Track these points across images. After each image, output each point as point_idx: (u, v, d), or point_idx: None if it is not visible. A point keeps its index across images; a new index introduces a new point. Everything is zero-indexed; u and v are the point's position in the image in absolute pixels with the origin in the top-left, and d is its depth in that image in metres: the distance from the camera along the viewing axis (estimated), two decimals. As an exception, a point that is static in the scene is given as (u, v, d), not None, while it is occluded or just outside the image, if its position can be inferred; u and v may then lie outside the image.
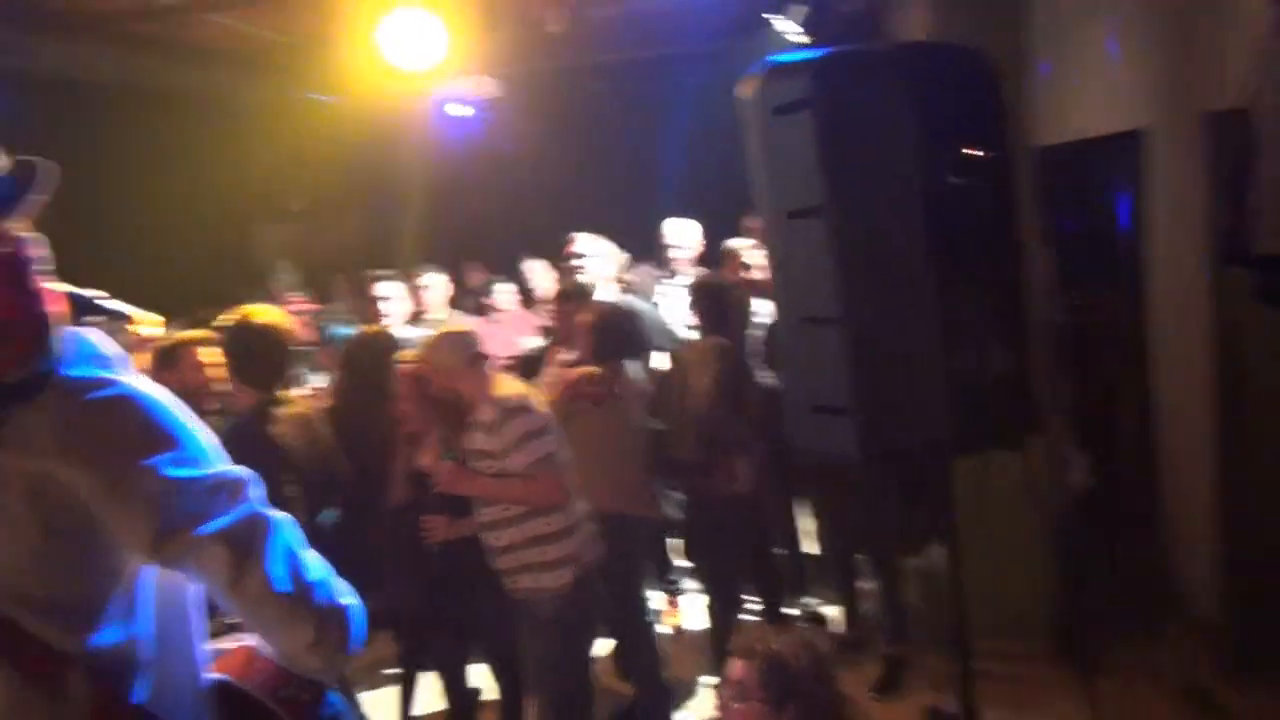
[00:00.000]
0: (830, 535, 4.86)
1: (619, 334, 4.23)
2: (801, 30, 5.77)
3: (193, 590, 1.52)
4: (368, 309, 5.28)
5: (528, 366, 4.80)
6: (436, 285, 5.81)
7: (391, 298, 5.22)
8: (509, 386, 3.52)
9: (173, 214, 7.01)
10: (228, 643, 1.62)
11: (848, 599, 4.82)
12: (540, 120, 8.10)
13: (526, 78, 7.89)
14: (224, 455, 1.50)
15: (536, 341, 5.31)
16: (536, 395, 3.62)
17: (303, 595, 1.46)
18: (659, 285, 5.59)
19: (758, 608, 4.66)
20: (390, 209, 8.61)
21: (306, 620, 1.45)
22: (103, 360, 1.50)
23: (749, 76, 2.51)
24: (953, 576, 2.65)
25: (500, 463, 3.36)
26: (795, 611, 4.90)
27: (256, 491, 1.49)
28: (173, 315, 6.00)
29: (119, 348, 1.54)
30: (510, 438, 3.34)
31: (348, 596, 1.52)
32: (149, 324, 2.95)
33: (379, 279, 5.33)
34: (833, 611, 4.95)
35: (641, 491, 4.18)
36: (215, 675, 1.57)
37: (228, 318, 3.59)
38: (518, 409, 3.38)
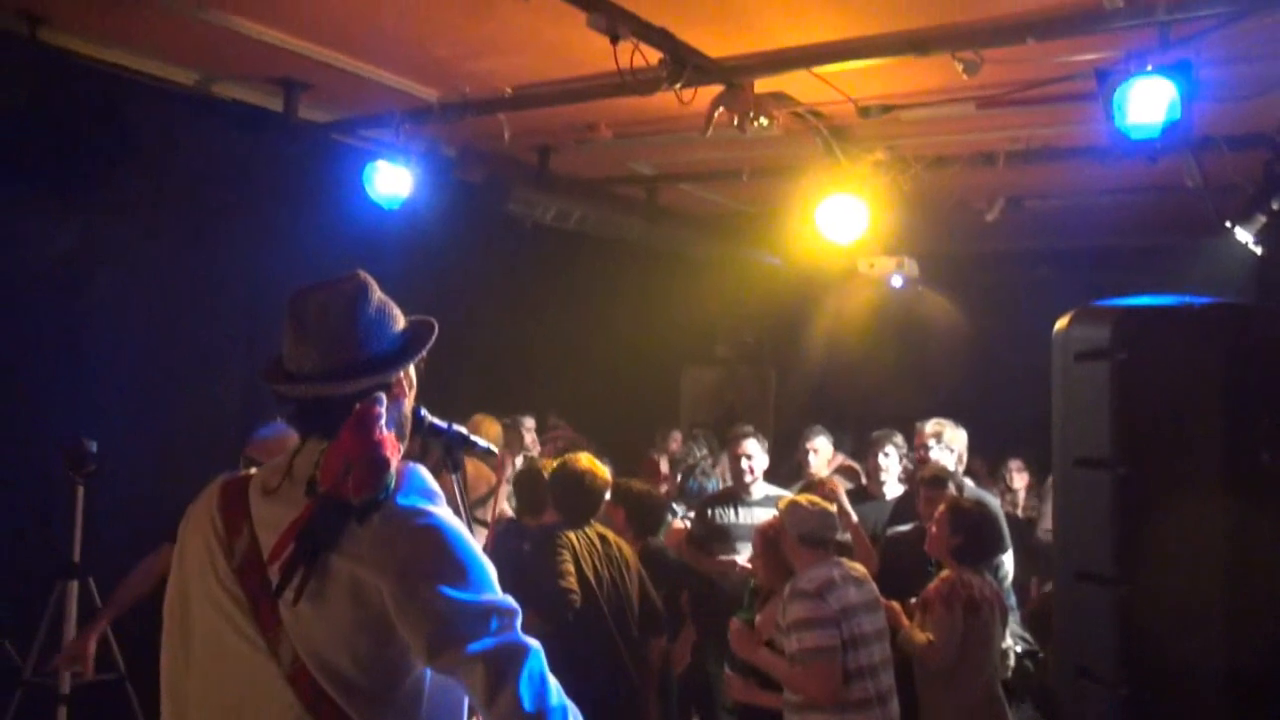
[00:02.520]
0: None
1: (987, 536, 4.10)
2: (1255, 241, 5.33)
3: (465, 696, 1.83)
4: (735, 466, 5.53)
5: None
6: (823, 448, 6.08)
7: (754, 456, 5.43)
8: (822, 570, 3.56)
9: (618, 349, 8.08)
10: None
11: None
12: (958, 299, 8.14)
13: (951, 257, 8.01)
14: (497, 586, 1.78)
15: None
16: (859, 576, 3.65)
17: (542, 717, 1.70)
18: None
19: None
20: (799, 366, 9.05)
21: None
22: (427, 493, 1.83)
23: (1065, 315, 2.54)
24: None
25: (781, 640, 3.48)
26: None
27: (519, 620, 1.78)
28: (591, 437, 6.96)
29: (437, 484, 1.89)
30: (790, 619, 3.43)
31: None
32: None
33: (743, 436, 5.52)
34: None
35: (987, 714, 3.94)
36: None
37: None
38: (807, 594, 3.44)
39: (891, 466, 5.71)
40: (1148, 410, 2.19)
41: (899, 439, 5.80)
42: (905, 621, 4.02)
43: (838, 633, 3.43)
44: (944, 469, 5.06)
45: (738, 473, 5.40)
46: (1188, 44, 3.51)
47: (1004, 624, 4.11)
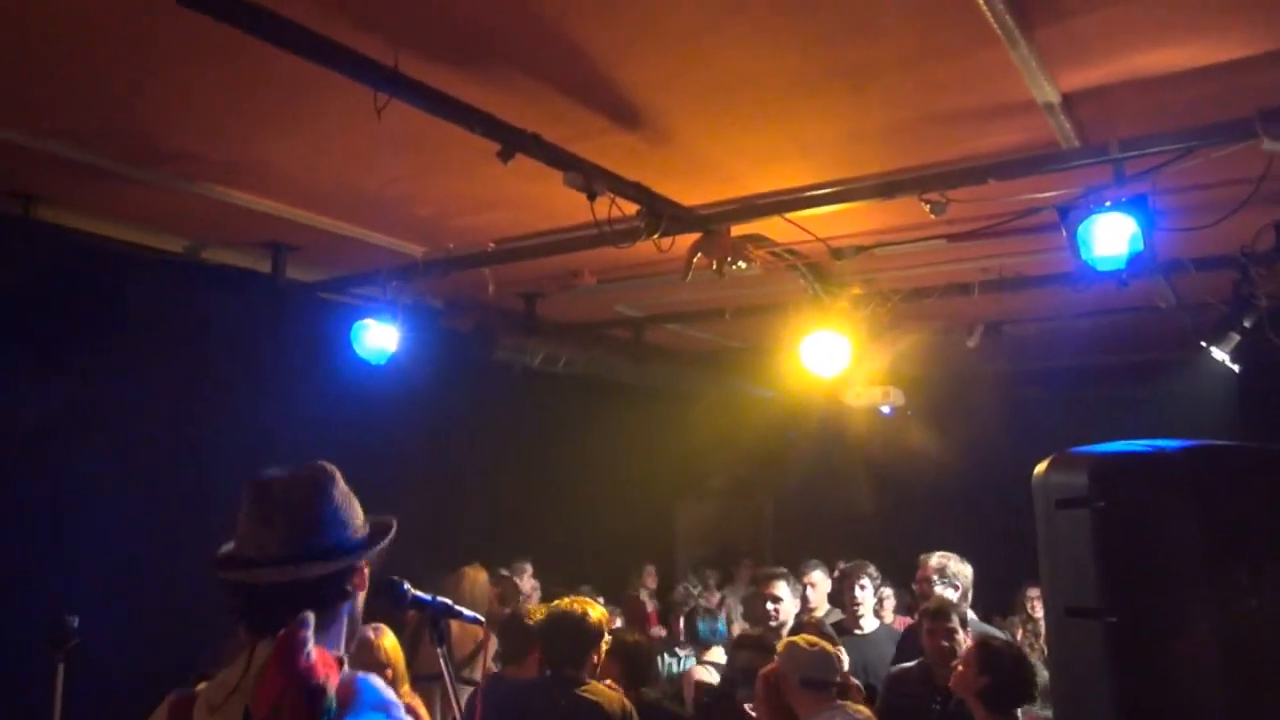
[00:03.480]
0: None
1: (1017, 681, 3.83)
2: (1229, 359, 5.39)
3: None
4: (758, 607, 5.49)
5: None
6: (821, 582, 6.00)
7: (784, 599, 5.40)
8: (824, 717, 3.49)
9: (611, 487, 8.06)
10: None
11: None
12: (946, 421, 8.18)
13: (938, 382, 8.09)
14: None
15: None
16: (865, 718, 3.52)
17: None
18: None
19: None
20: (791, 497, 9.04)
21: None
22: (381, 706, 1.74)
23: (1044, 461, 2.54)
24: None
25: None
26: None
27: None
28: (586, 579, 6.86)
29: (393, 694, 1.81)
30: None
31: None
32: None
33: (775, 577, 5.53)
34: None
35: None
36: None
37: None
38: None
39: (868, 599, 5.71)
40: (1131, 558, 2.18)
41: (872, 569, 5.82)
42: None
43: None
44: (948, 601, 4.97)
45: (763, 614, 5.31)
46: (1144, 177, 3.63)
47: None
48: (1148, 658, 2.17)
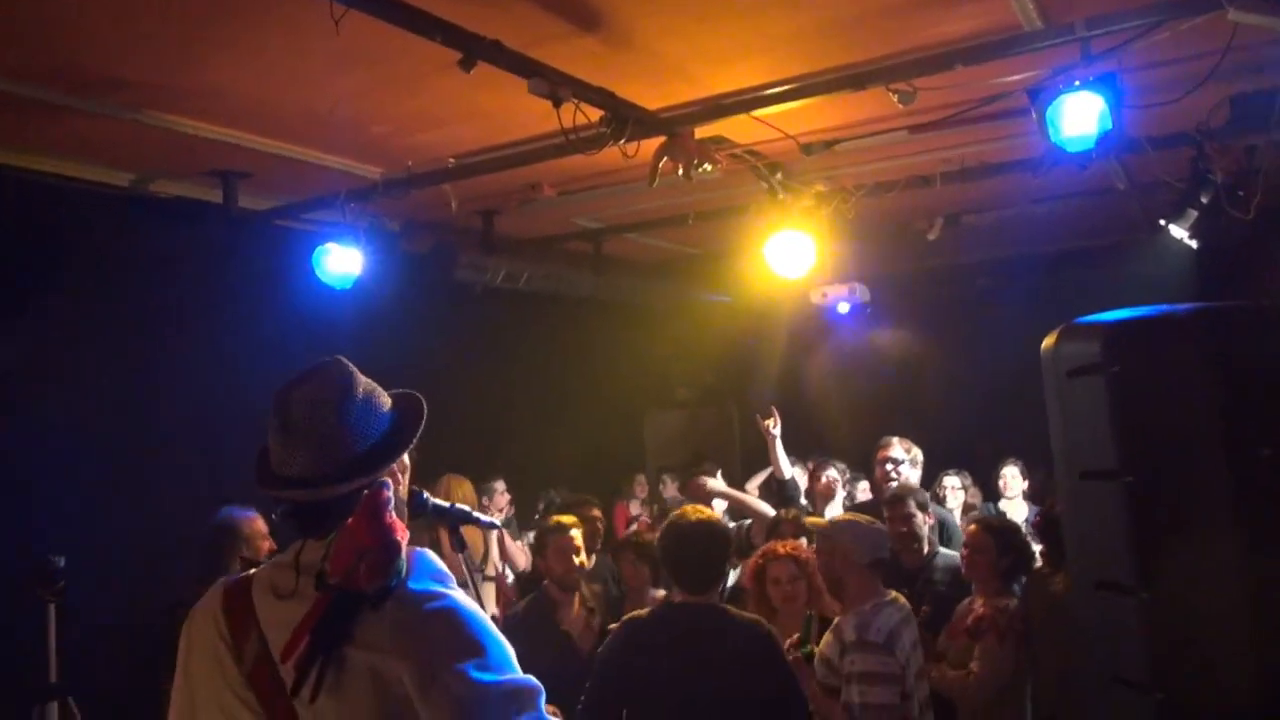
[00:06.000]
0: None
1: (1028, 549, 3.95)
2: (1188, 236, 5.49)
3: None
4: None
5: None
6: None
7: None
8: (884, 615, 3.33)
9: (580, 401, 8.08)
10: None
11: None
12: (913, 318, 8.28)
13: (901, 279, 8.17)
14: (517, 665, 1.74)
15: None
16: (905, 606, 3.43)
17: None
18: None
19: None
20: (761, 402, 9.13)
21: None
22: (439, 576, 1.81)
23: (1052, 334, 2.58)
24: None
25: (838, 683, 3.27)
26: None
27: (542, 700, 1.74)
28: (560, 491, 6.91)
29: (446, 567, 1.87)
30: (855, 670, 3.20)
31: None
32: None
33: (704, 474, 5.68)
34: None
35: None
36: None
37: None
38: (876, 646, 3.19)
39: (837, 492, 5.94)
40: (1147, 419, 2.24)
41: (839, 464, 6.07)
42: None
43: (900, 689, 3.22)
44: (906, 487, 5.14)
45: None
46: (1111, 55, 3.63)
47: None
48: (1166, 514, 2.23)
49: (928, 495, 5.18)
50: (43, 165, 4.77)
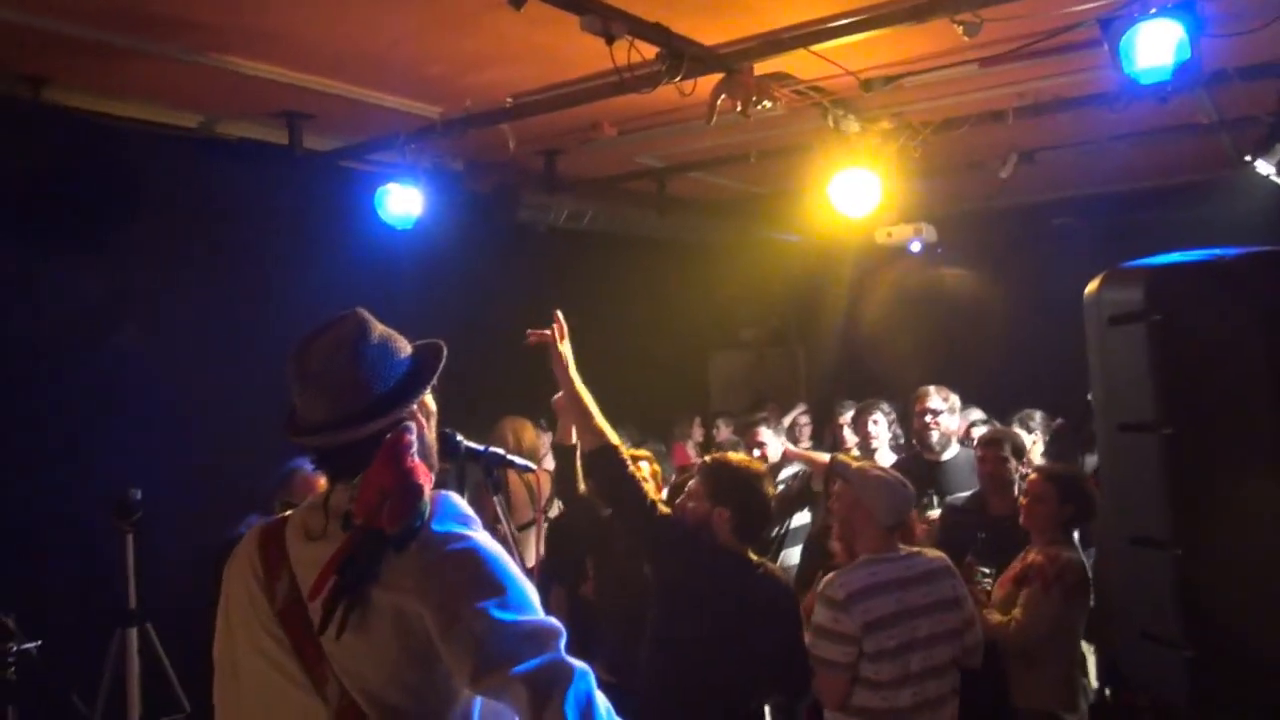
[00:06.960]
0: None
1: (1093, 498, 3.73)
2: (1277, 172, 5.22)
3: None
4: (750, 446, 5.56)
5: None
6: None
7: (768, 443, 5.45)
8: (864, 572, 3.23)
9: (644, 342, 8.06)
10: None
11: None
12: (980, 259, 8.06)
13: (969, 218, 7.93)
14: (539, 606, 1.77)
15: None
16: (932, 570, 3.31)
17: None
18: None
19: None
20: (827, 342, 9.02)
21: None
22: (462, 518, 1.83)
23: (1095, 279, 2.49)
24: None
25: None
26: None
27: (563, 641, 1.76)
28: (628, 429, 6.93)
29: (471, 509, 1.89)
30: (813, 621, 3.25)
31: None
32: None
33: (758, 424, 5.61)
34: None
35: (1064, 690, 3.75)
36: None
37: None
38: (834, 602, 3.17)
39: (882, 434, 5.81)
40: (1189, 370, 2.14)
41: (885, 405, 5.90)
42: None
43: (854, 649, 3.14)
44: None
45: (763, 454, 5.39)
46: (1190, -20, 3.44)
47: None
48: (1204, 469, 2.16)
49: (1024, 442, 5.02)
50: (114, 109, 4.89)
